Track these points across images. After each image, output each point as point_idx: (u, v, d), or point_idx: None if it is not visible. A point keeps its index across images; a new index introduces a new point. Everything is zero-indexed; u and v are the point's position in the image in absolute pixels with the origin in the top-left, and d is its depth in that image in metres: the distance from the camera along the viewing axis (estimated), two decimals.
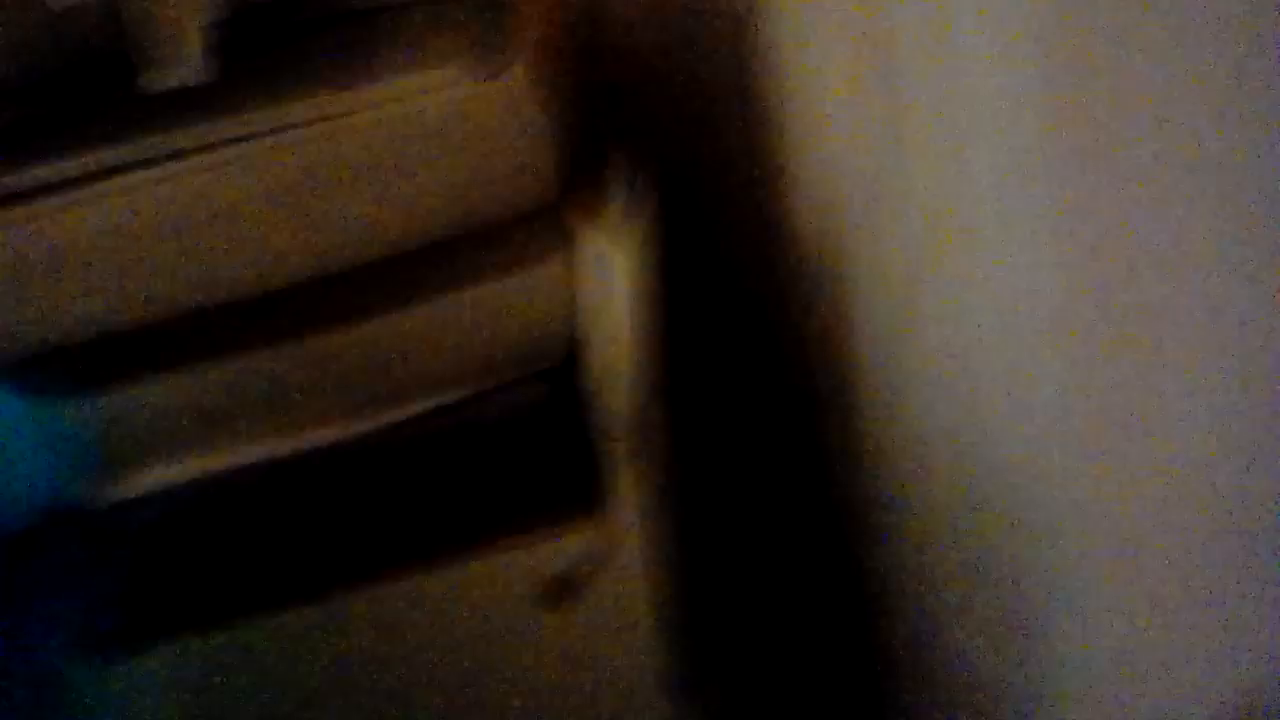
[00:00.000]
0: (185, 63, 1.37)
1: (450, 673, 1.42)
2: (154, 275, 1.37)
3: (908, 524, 1.52)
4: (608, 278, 1.47)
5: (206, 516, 1.43)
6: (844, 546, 1.67)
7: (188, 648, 1.36)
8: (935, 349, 1.38)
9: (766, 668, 1.77)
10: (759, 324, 1.79)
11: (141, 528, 1.39)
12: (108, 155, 1.34)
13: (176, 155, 1.34)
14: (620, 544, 1.44)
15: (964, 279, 1.30)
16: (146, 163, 1.34)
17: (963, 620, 1.41)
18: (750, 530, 1.92)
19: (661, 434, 1.50)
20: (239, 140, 1.35)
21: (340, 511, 1.42)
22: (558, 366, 1.49)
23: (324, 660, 1.40)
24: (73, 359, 1.37)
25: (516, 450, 1.44)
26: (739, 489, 1.93)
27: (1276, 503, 1.01)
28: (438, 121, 1.40)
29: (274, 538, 1.43)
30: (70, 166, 1.33)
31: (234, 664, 1.39)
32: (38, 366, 1.34)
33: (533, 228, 1.47)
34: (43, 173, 1.33)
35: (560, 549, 1.43)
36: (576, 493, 1.44)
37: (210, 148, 1.35)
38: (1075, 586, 1.21)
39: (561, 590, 1.43)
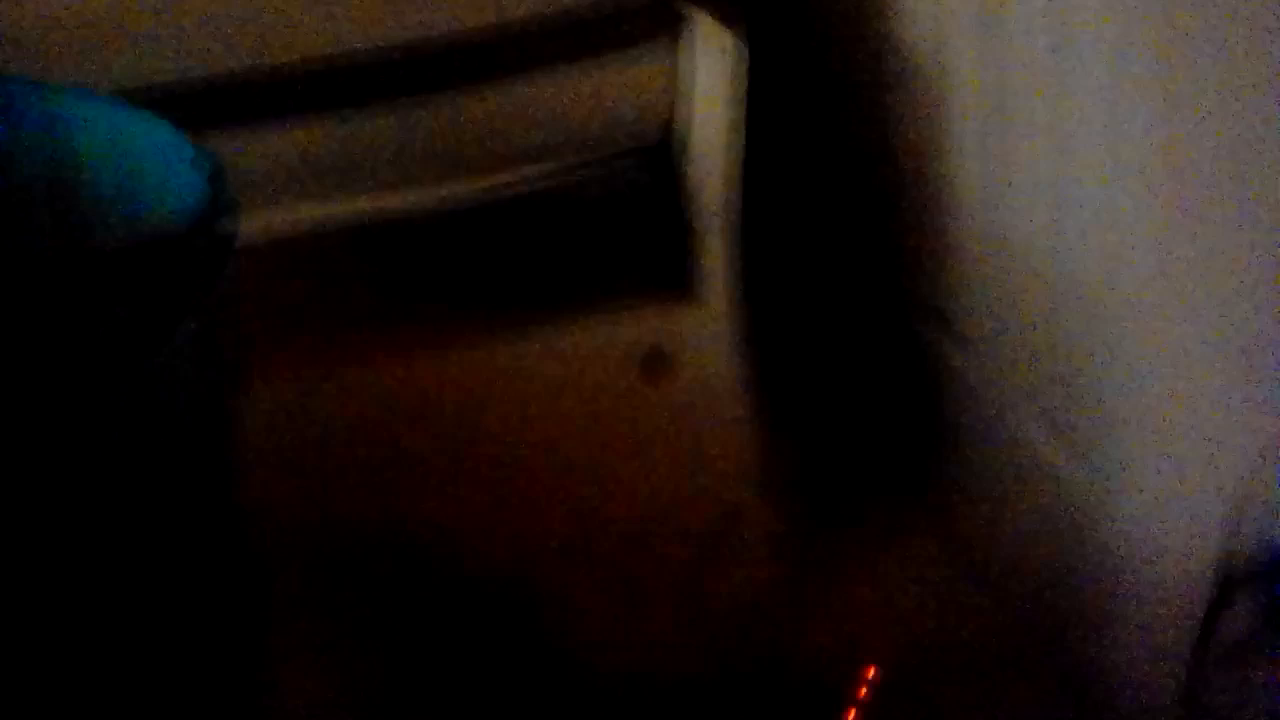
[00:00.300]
0: None
1: (549, 434, 1.50)
2: (278, 24, 1.42)
3: (980, 320, 1.59)
4: (710, 66, 1.51)
5: (316, 266, 1.49)
6: (915, 337, 1.74)
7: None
8: (1033, 161, 1.43)
9: (839, 447, 1.85)
10: (846, 135, 1.83)
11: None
12: None
13: None
14: (712, 322, 1.50)
15: (1067, 108, 1.35)
16: None
17: (1027, 408, 1.49)
18: (828, 320, 1.99)
19: (750, 222, 1.56)
20: None
21: (449, 271, 1.49)
22: (656, 147, 1.54)
23: (425, 414, 1.48)
24: (213, 100, 1.43)
25: (618, 226, 1.50)
26: (819, 281, 1.99)
27: None
28: None
29: (376, 292, 1.49)
30: None
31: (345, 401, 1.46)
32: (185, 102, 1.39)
33: (642, 9, 1.52)
34: None
35: (656, 323, 1.50)
36: (673, 271, 1.51)
37: None
38: (1138, 392, 1.29)
39: (656, 363, 1.50)
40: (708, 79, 1.50)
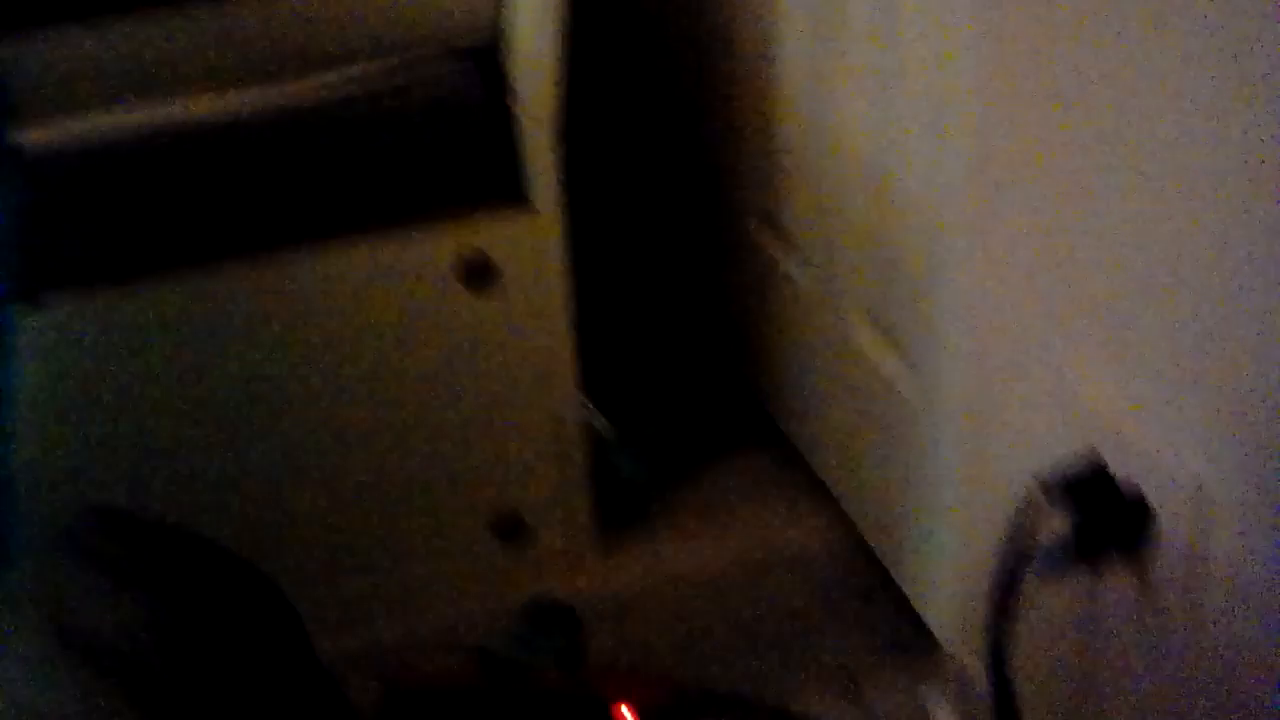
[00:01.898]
0: None
1: (373, 344, 1.47)
2: None
3: (809, 225, 1.58)
4: None
5: (125, 175, 1.43)
6: (747, 243, 1.74)
7: (102, 300, 1.39)
8: (863, 71, 1.42)
9: (659, 364, 1.85)
10: (677, 39, 1.81)
11: (58, 180, 1.40)
12: None
13: None
14: (539, 231, 1.48)
15: (896, 16, 1.33)
16: None
17: (857, 313, 1.49)
18: (658, 227, 1.98)
19: (578, 127, 1.53)
20: None
21: (265, 179, 1.44)
22: (484, 50, 1.50)
23: (246, 322, 1.44)
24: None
25: (444, 133, 1.46)
26: (650, 187, 1.98)
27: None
28: None
29: (195, 200, 1.44)
30: None
31: (153, 319, 1.42)
32: None
33: None
34: None
35: (482, 231, 1.47)
36: (501, 179, 1.47)
37: None
38: (958, 299, 1.29)
39: (482, 272, 1.47)
40: None
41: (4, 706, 0.86)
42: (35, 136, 1.37)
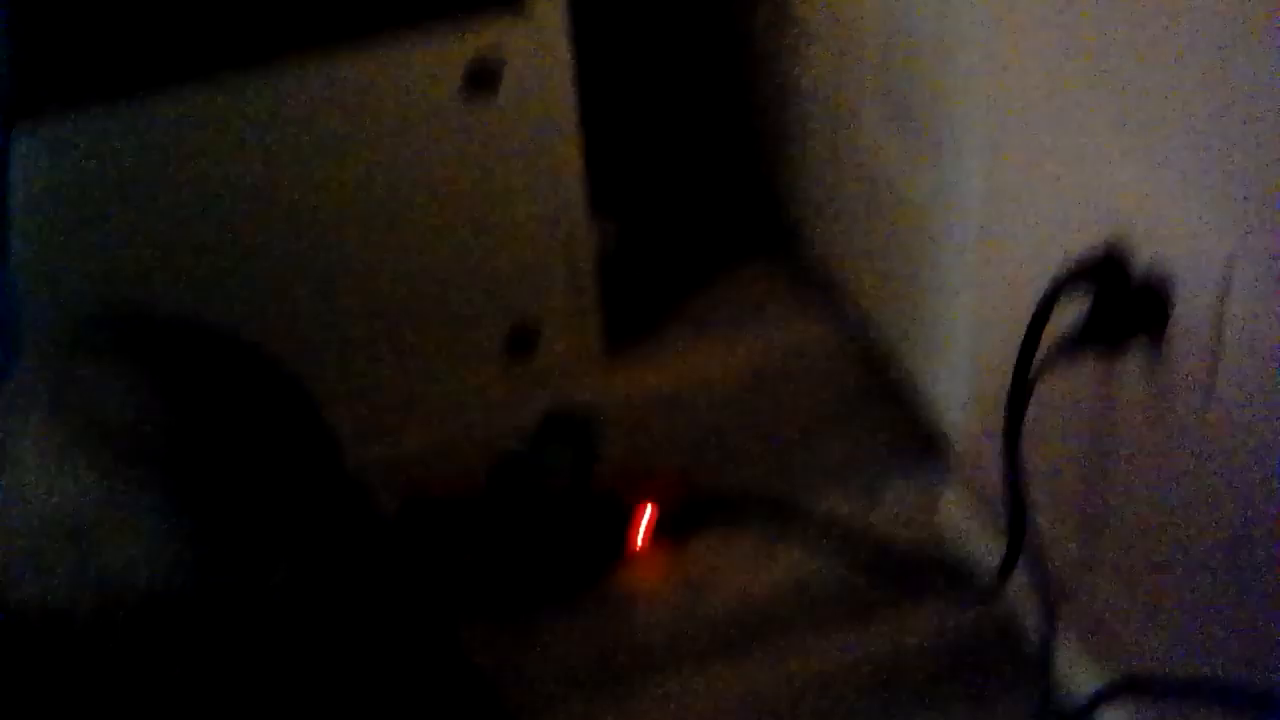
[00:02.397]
0: None
1: (378, 154, 1.46)
2: None
3: (824, 18, 1.56)
4: None
5: None
6: (754, 41, 1.72)
7: (99, 114, 1.38)
8: None
9: (671, 172, 1.83)
10: None
11: None
12: None
13: None
14: (543, 34, 1.46)
15: None
16: None
17: (873, 110, 1.48)
18: (660, 29, 1.94)
19: None
20: None
21: None
22: None
23: (251, 132, 1.43)
24: None
25: None
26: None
27: None
28: None
29: (196, 8, 1.42)
30: None
31: (155, 131, 1.41)
32: None
33: None
34: None
35: (487, 36, 1.45)
36: None
37: None
38: (972, 90, 1.28)
39: (488, 77, 1.45)
40: None
41: (22, 494, 0.86)
42: None
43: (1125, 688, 1.18)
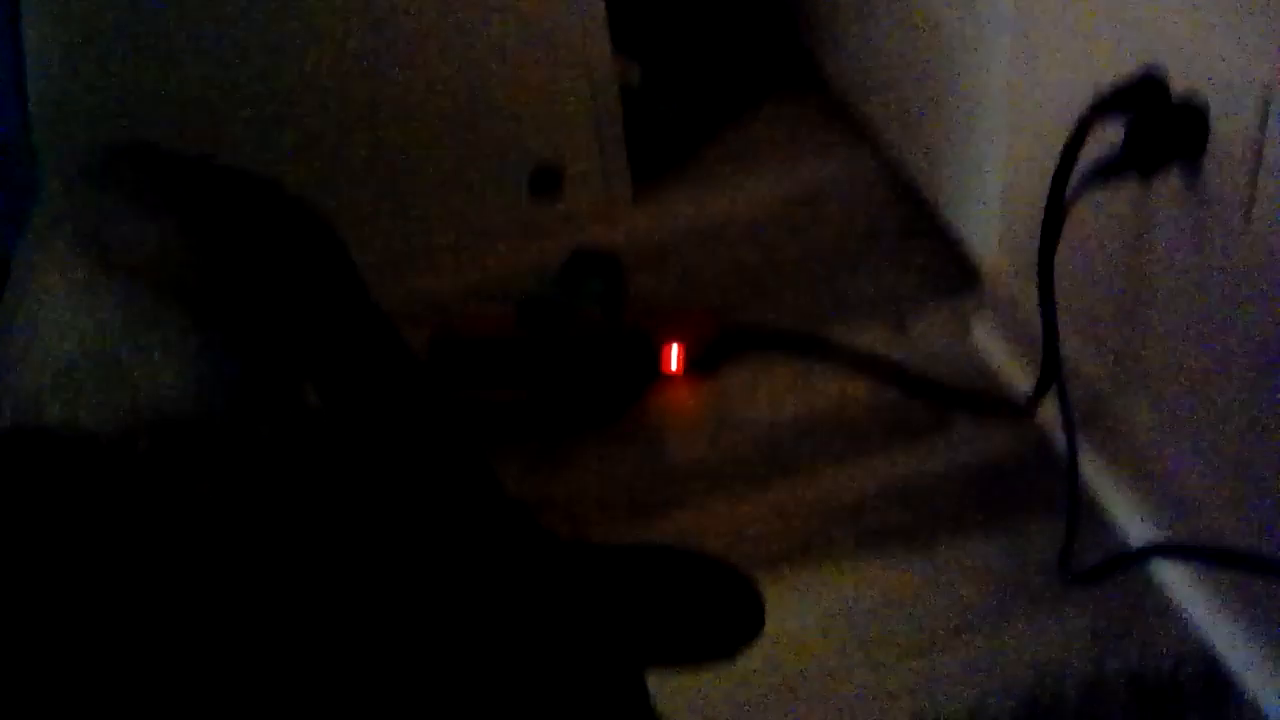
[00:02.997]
0: None
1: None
2: None
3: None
4: None
5: None
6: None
7: None
8: None
9: (693, 20, 1.80)
10: None
11: None
12: None
13: None
14: None
15: None
16: None
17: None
18: None
19: None
20: None
21: None
22: None
23: None
24: None
25: None
26: None
27: None
28: None
29: None
30: None
31: None
32: None
33: None
34: None
35: None
36: None
37: None
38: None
39: None
40: None
41: (51, 323, 0.86)
42: None
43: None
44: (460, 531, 0.99)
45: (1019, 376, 1.37)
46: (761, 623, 1.24)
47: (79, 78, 1.40)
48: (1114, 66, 1.10)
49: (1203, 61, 1.04)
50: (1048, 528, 1.26)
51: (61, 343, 0.85)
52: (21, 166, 1.14)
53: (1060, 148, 1.10)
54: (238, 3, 1.42)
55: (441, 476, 0.99)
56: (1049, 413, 1.30)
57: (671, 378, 1.46)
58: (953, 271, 1.51)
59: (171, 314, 0.85)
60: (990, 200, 1.40)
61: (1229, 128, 1.02)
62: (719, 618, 1.26)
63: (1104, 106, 1.08)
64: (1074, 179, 1.11)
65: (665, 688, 1.13)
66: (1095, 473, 1.28)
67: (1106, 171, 1.09)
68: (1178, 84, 1.06)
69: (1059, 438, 1.28)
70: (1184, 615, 1.19)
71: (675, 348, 1.46)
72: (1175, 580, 1.21)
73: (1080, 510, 1.24)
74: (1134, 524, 1.25)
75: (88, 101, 1.41)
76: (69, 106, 1.38)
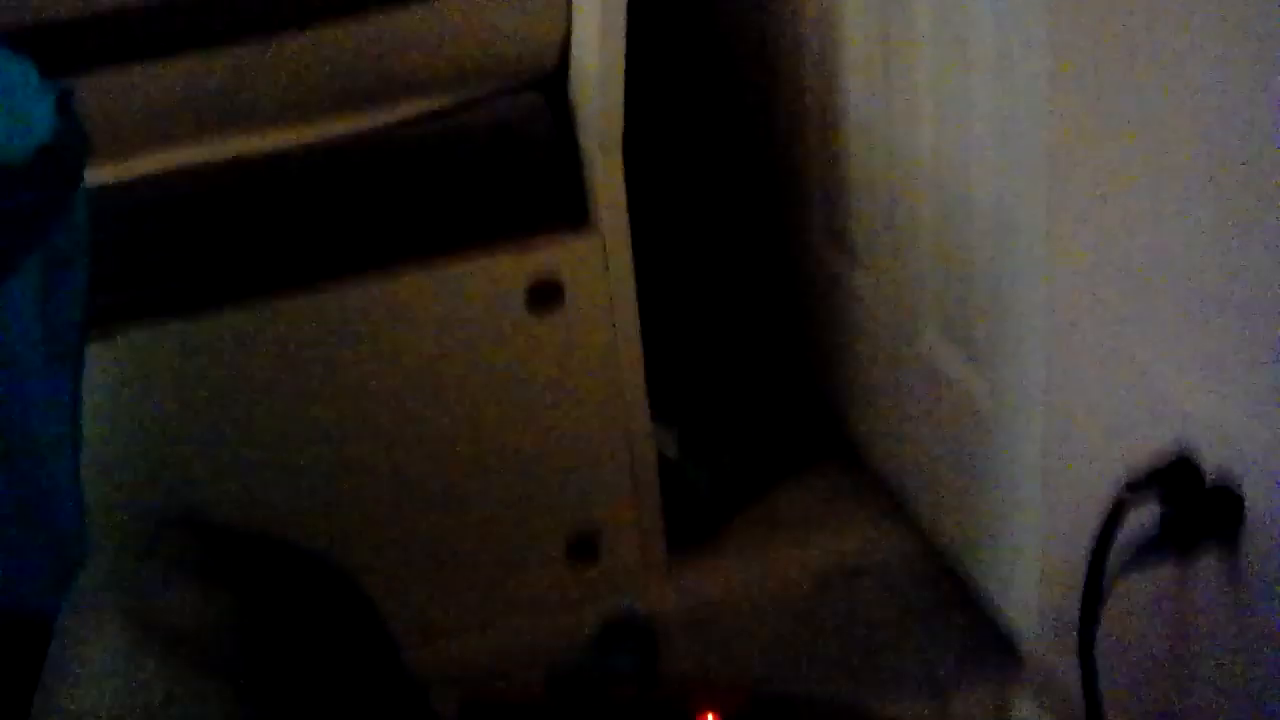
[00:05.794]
0: None
1: (445, 368, 1.49)
2: None
3: (877, 240, 1.60)
4: None
5: (200, 207, 1.46)
6: (815, 261, 1.75)
7: (177, 328, 1.42)
8: (926, 84, 1.44)
9: (729, 391, 1.87)
10: (742, 70, 1.83)
11: (134, 213, 1.42)
12: None
13: None
14: (604, 253, 1.50)
15: (959, 25, 1.35)
16: None
17: (928, 323, 1.50)
18: (726, 249, 2.00)
19: (643, 151, 1.55)
20: None
21: (338, 209, 1.47)
22: (551, 76, 1.52)
23: (317, 349, 1.46)
24: (79, 38, 1.40)
25: (511, 158, 1.49)
26: (717, 211, 2.00)
27: None
28: None
29: (269, 231, 1.47)
30: None
31: (226, 346, 1.45)
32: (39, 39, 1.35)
33: None
34: None
35: (549, 255, 1.49)
36: (566, 203, 1.50)
37: None
38: (1030, 303, 1.30)
39: (550, 294, 1.49)
40: (590, 4, 1.49)
41: (91, 695, 0.86)
42: (106, 173, 1.39)
43: None
44: None
45: None
46: None
47: (129, 455, 1.44)
48: (1147, 442, 1.11)
49: (1234, 441, 1.05)
50: None
51: (102, 716, 0.85)
52: (77, 545, 1.17)
53: (1097, 525, 1.11)
54: (284, 388, 1.48)
55: None
56: None
57: None
58: (991, 645, 1.49)
59: (212, 696, 0.86)
60: (1029, 575, 1.40)
61: (1264, 506, 1.03)
62: None
63: (1138, 486, 1.09)
64: (1112, 556, 1.11)
65: None
66: None
67: (1144, 551, 1.10)
68: (1209, 461, 1.07)
69: None
70: None
71: (710, 719, 1.43)
72: None
73: None
74: None
75: (140, 468, 1.44)
76: (119, 477, 1.41)
